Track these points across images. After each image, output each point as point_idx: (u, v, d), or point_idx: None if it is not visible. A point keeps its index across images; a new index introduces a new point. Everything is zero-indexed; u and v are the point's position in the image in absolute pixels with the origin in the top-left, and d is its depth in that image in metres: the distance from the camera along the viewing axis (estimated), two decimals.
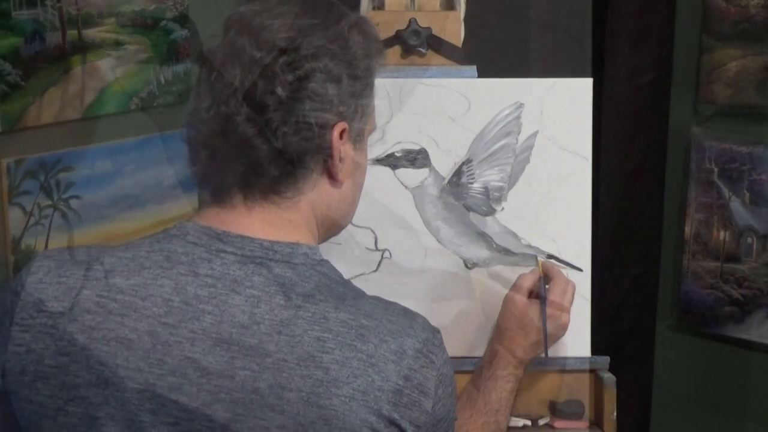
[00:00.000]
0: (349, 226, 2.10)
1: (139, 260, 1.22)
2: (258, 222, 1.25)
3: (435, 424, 1.24)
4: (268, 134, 1.21)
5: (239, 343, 1.18)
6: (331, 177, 1.29)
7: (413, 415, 1.21)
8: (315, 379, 1.17)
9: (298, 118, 1.22)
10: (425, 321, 1.29)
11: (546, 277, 1.83)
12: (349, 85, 1.26)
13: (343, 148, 1.28)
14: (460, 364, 2.07)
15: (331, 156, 1.26)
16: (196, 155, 1.27)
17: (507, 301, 1.82)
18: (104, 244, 1.33)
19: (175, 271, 1.21)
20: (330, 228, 1.35)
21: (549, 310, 1.76)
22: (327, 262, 1.28)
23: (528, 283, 1.82)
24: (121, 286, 1.21)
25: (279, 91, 1.21)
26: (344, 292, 1.25)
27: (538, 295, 1.83)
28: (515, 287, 1.83)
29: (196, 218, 1.27)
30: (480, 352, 2.08)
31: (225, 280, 1.20)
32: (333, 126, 1.25)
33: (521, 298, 1.80)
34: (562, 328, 1.83)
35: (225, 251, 1.22)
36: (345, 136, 1.27)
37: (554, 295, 1.78)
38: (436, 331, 1.28)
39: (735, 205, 2.48)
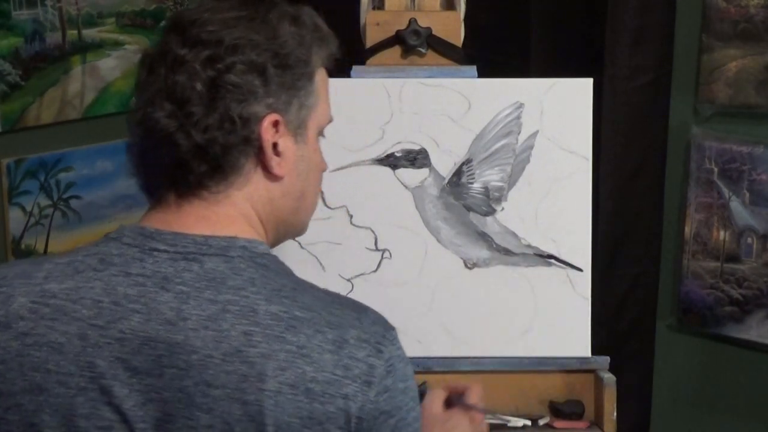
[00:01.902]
0: (349, 226, 2.12)
1: (74, 265, 1.21)
2: (192, 218, 1.23)
3: (377, 417, 1.18)
4: (190, 129, 1.19)
5: (166, 341, 1.16)
6: (268, 171, 1.25)
7: (353, 406, 1.17)
8: (240, 374, 1.14)
9: (220, 112, 1.20)
10: (379, 317, 1.25)
11: (456, 391, 1.70)
12: (277, 75, 1.23)
13: (281, 141, 1.24)
14: (458, 365, 2.08)
15: (262, 149, 1.23)
16: (132, 159, 1.26)
17: (424, 412, 1.59)
18: (51, 253, 1.32)
19: (107, 272, 1.19)
20: (279, 225, 1.30)
21: (473, 416, 1.67)
22: (270, 255, 1.24)
23: (438, 400, 1.69)
24: (54, 290, 1.19)
25: (198, 86, 1.19)
26: (283, 284, 1.21)
27: (452, 405, 1.69)
28: (428, 404, 1.68)
29: (139, 221, 1.26)
30: (480, 352, 2.08)
31: (155, 278, 1.18)
32: (262, 118, 1.22)
33: (439, 409, 1.67)
34: None
35: (158, 249, 1.20)
36: (281, 128, 1.24)
37: (473, 400, 1.67)
38: (389, 328, 1.24)
39: (735, 205, 2.48)
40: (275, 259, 1.24)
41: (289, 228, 1.34)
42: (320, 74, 1.31)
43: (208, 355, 1.15)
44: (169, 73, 1.21)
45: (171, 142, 1.20)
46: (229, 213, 1.24)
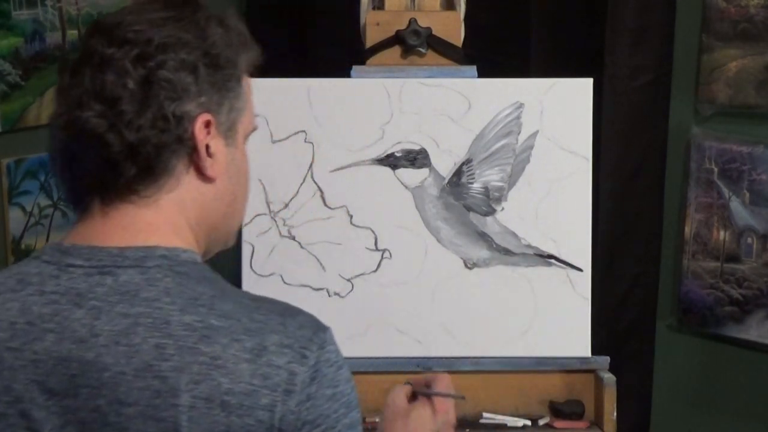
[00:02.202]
0: (349, 226, 2.12)
1: None
2: (112, 228, 1.18)
3: (300, 427, 1.12)
4: (121, 128, 1.14)
5: (79, 360, 1.12)
6: (201, 173, 1.20)
7: (273, 417, 1.11)
8: (153, 390, 1.10)
9: (153, 110, 1.15)
10: (309, 319, 1.19)
11: (420, 382, 1.62)
12: (209, 75, 1.19)
13: (212, 143, 1.19)
14: (458, 365, 2.08)
15: (195, 149, 1.18)
16: (56, 167, 1.21)
17: (387, 409, 1.58)
18: None
19: (24, 292, 1.16)
20: (210, 231, 1.25)
21: (436, 405, 1.61)
22: (194, 263, 1.19)
23: (401, 394, 1.59)
24: None
25: (130, 83, 1.15)
26: (201, 292, 1.15)
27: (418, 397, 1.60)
28: (391, 400, 1.58)
29: (64, 237, 1.22)
30: (480, 352, 2.08)
31: (69, 295, 1.15)
32: (195, 117, 1.18)
33: (402, 402, 1.57)
34: (451, 426, 1.63)
35: (73, 265, 1.16)
36: (212, 129, 1.19)
37: (440, 389, 1.59)
38: (321, 330, 1.17)
39: (735, 205, 2.47)
40: (200, 266, 1.19)
41: (220, 234, 1.28)
42: (246, 79, 1.27)
43: (120, 371, 1.11)
44: (96, 73, 1.16)
45: (101, 143, 1.15)
46: (154, 220, 1.19)
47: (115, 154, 1.15)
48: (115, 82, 1.15)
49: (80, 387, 1.12)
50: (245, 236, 2.09)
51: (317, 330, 1.17)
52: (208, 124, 1.19)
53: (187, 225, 1.22)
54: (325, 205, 2.10)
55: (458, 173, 2.10)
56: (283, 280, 2.09)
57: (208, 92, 1.19)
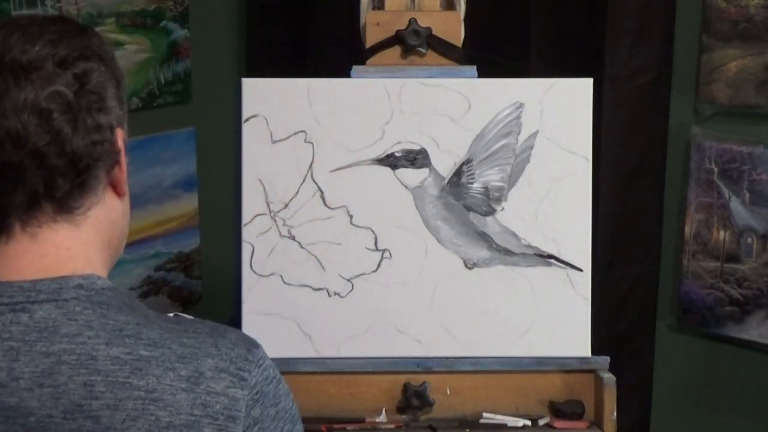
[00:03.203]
0: (349, 227, 2.12)
1: None
2: (26, 257, 1.10)
3: None
4: (62, 140, 1.08)
5: None
6: (115, 189, 1.16)
7: None
8: (85, 431, 1.04)
9: (86, 120, 1.09)
10: (239, 336, 1.14)
11: None
12: (117, 89, 1.15)
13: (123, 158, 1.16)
14: (458, 365, 2.08)
15: (118, 163, 1.14)
16: None
17: None
18: None
19: None
20: (116, 251, 1.20)
21: None
22: (110, 289, 1.12)
23: None
24: None
25: (63, 89, 1.08)
26: (125, 321, 1.09)
27: None
28: None
29: None
30: (480, 352, 2.08)
31: None
32: (116, 130, 1.14)
33: None
34: None
35: None
36: (123, 143, 1.16)
37: None
38: (253, 346, 1.13)
39: (735, 205, 2.47)
40: (117, 292, 1.13)
41: (118, 252, 1.22)
42: None
43: (47, 414, 1.04)
44: (18, 80, 1.08)
45: (39, 158, 1.08)
46: (72, 243, 1.12)
47: (53, 169, 1.09)
48: (47, 91, 1.08)
49: None
50: (245, 236, 2.09)
51: (250, 347, 1.13)
52: (122, 139, 1.16)
53: (99, 246, 1.16)
54: (325, 205, 2.09)
55: (458, 173, 2.10)
56: (283, 280, 2.09)
57: (118, 106, 1.16)
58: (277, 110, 2.10)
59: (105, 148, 1.12)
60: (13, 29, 1.11)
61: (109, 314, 1.09)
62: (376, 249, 2.10)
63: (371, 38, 2.16)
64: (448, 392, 2.08)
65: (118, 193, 1.17)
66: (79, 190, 1.12)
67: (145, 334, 1.09)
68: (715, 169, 2.49)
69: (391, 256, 2.10)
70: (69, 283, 1.10)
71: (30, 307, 1.08)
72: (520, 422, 2.06)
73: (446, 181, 2.10)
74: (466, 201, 2.10)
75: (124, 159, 1.16)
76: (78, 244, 1.13)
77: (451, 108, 2.10)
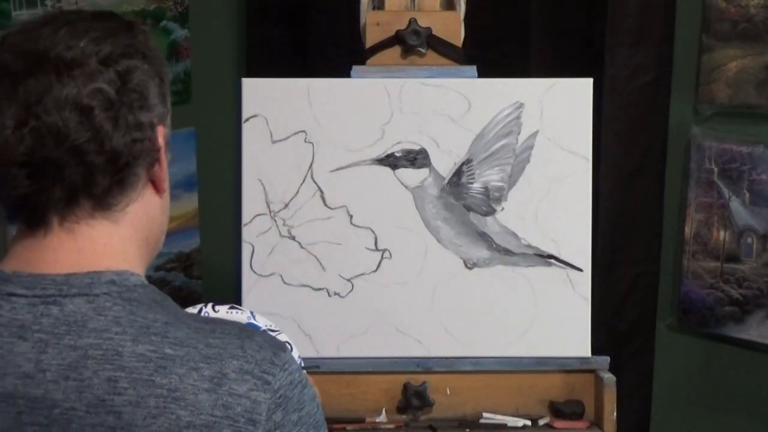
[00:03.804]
0: (349, 227, 2.12)
1: None
2: (62, 251, 1.12)
3: None
4: (102, 138, 1.09)
5: (24, 396, 1.06)
6: (155, 186, 1.17)
7: None
8: (106, 426, 1.05)
9: (127, 118, 1.10)
10: (267, 339, 1.14)
11: None
12: (160, 86, 1.17)
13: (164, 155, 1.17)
14: (458, 365, 2.08)
15: (158, 160, 1.16)
16: (1, 184, 1.11)
17: None
18: None
19: None
20: (153, 248, 1.21)
21: None
22: (143, 286, 1.13)
23: None
24: None
25: (105, 87, 1.09)
26: (153, 319, 1.10)
27: None
28: None
29: (3, 260, 1.15)
30: (480, 352, 2.08)
31: (11, 327, 1.08)
32: (157, 128, 1.15)
33: None
34: None
35: (15, 294, 1.10)
36: (164, 141, 1.17)
37: None
38: (280, 349, 1.12)
39: (735, 205, 2.47)
40: (149, 289, 1.14)
41: (156, 248, 1.23)
42: None
43: (71, 407, 1.06)
44: (60, 77, 1.09)
45: (79, 154, 1.09)
46: (109, 239, 1.13)
47: (91, 165, 1.10)
48: (89, 88, 1.09)
49: (26, 425, 1.07)
50: (245, 236, 2.09)
51: (277, 350, 1.12)
52: (163, 136, 1.17)
53: (137, 242, 1.17)
54: (325, 205, 2.10)
55: (458, 173, 2.10)
56: (283, 280, 2.09)
57: (161, 104, 1.17)
58: (277, 110, 2.10)
59: (145, 146, 1.13)
60: (60, 25, 1.12)
61: (138, 311, 1.10)
62: (376, 249, 2.10)
63: (371, 38, 2.16)
64: (448, 392, 2.08)
65: (158, 190, 1.18)
66: (118, 187, 1.13)
67: (172, 332, 1.09)
68: (715, 169, 2.49)
69: (391, 256, 2.10)
70: (101, 278, 1.11)
71: (61, 300, 1.09)
72: (520, 422, 2.06)
73: (446, 181, 2.10)
74: (466, 201, 2.10)
75: (164, 156, 1.17)
76: (115, 240, 1.14)
77: (451, 108, 2.10)
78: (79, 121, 1.08)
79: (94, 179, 1.10)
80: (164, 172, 1.18)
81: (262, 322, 1.76)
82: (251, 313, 1.89)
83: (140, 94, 1.13)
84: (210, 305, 1.89)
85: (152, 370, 1.06)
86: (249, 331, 1.14)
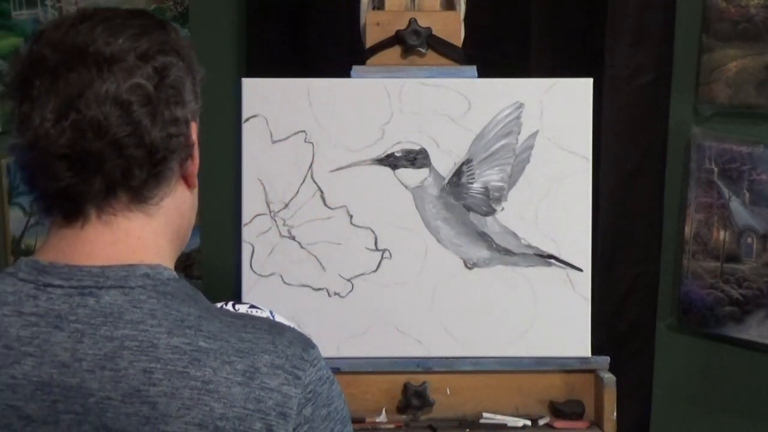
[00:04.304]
0: (349, 227, 2.12)
1: None
2: (98, 244, 1.14)
3: None
4: (141, 132, 1.11)
5: (60, 385, 1.08)
6: (187, 181, 1.19)
7: None
8: (141, 416, 1.07)
9: (164, 113, 1.13)
10: (296, 335, 1.16)
11: None
12: (193, 83, 1.20)
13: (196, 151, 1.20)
14: (458, 365, 2.08)
15: (191, 156, 1.18)
16: (41, 176, 1.12)
17: None
18: None
19: (0, 312, 1.12)
20: (182, 242, 1.23)
21: None
22: (175, 280, 1.16)
23: None
24: None
25: (144, 82, 1.12)
26: (187, 312, 1.12)
27: None
28: None
29: (38, 250, 1.17)
30: (480, 352, 2.08)
31: (49, 317, 1.11)
32: (191, 123, 1.18)
33: None
34: None
35: (52, 285, 1.12)
36: (196, 137, 1.20)
37: None
38: (309, 346, 1.15)
39: (735, 205, 2.47)
40: (182, 284, 1.16)
41: (184, 243, 1.25)
42: None
43: (106, 397, 1.08)
44: (99, 72, 1.11)
45: (118, 148, 1.11)
46: (143, 233, 1.16)
47: (130, 158, 1.12)
48: (128, 84, 1.11)
49: (62, 413, 1.09)
50: (245, 236, 2.09)
51: (306, 347, 1.15)
52: (196, 132, 1.19)
53: (169, 236, 1.19)
54: (325, 205, 2.10)
55: (458, 173, 2.10)
56: (283, 280, 2.09)
57: (194, 100, 1.19)
58: (277, 110, 2.10)
59: (180, 141, 1.15)
60: (97, 21, 1.14)
61: (173, 305, 1.12)
62: (376, 249, 2.10)
63: (371, 38, 2.16)
64: (448, 392, 2.08)
65: (189, 185, 1.20)
66: (154, 180, 1.15)
67: (206, 326, 1.12)
68: (715, 169, 2.49)
69: (391, 256, 2.10)
70: (136, 271, 1.13)
71: (97, 292, 1.11)
72: (520, 422, 2.06)
73: (446, 181, 2.10)
74: (466, 201, 2.10)
75: (196, 152, 1.19)
76: (149, 234, 1.16)
77: (451, 108, 2.10)
78: (120, 115, 1.10)
79: (133, 172, 1.12)
80: (196, 167, 1.20)
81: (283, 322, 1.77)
82: (270, 312, 1.90)
83: (176, 90, 1.15)
84: (230, 303, 1.91)
85: (187, 362, 1.09)
86: (279, 326, 1.17)
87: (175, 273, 1.17)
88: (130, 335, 1.09)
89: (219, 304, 1.76)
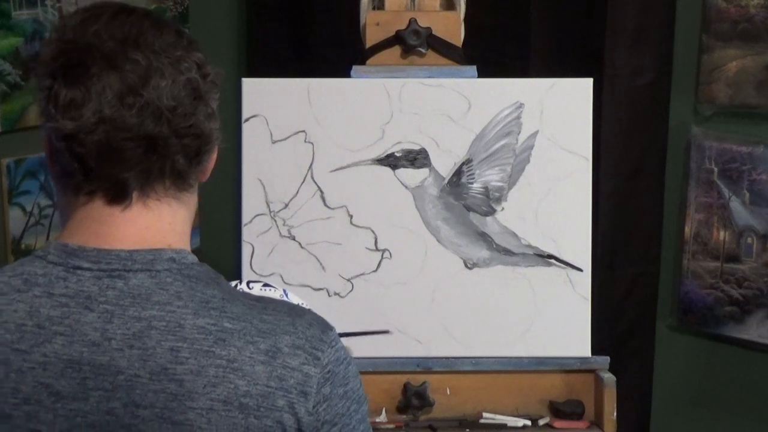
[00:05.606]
0: (349, 227, 2.12)
1: None
2: (131, 227, 1.17)
3: (319, 428, 1.16)
4: (197, 123, 1.16)
5: (90, 363, 1.13)
6: (203, 175, 1.23)
7: (291, 418, 1.14)
8: (168, 393, 1.12)
9: (209, 105, 1.18)
10: (315, 318, 1.21)
11: None
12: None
13: None
14: (458, 365, 2.08)
15: (215, 150, 1.23)
16: (101, 158, 1.15)
17: None
18: None
19: (30, 293, 1.15)
20: (190, 230, 1.26)
21: None
22: (199, 264, 1.20)
23: None
24: None
25: (194, 76, 1.16)
26: (212, 295, 1.17)
27: None
28: None
29: (62, 233, 1.20)
30: (480, 352, 2.08)
31: (78, 298, 1.15)
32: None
33: None
34: None
35: (81, 267, 1.16)
36: None
37: None
38: (328, 328, 1.20)
39: (735, 205, 2.47)
40: (205, 268, 1.20)
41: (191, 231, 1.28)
42: None
43: (135, 374, 1.12)
44: (158, 65, 1.15)
45: (177, 135, 1.15)
46: (173, 219, 1.20)
47: (185, 147, 1.16)
48: (182, 75, 1.15)
49: (91, 390, 1.12)
50: (245, 236, 2.09)
51: (325, 328, 1.20)
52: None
53: (190, 222, 1.24)
54: (325, 205, 2.10)
55: (458, 173, 2.10)
56: (283, 280, 2.09)
57: (213, 103, 1.22)
58: (277, 110, 2.10)
59: (214, 135, 1.20)
60: (141, 15, 1.19)
61: (197, 287, 1.17)
62: (376, 249, 2.10)
63: (371, 38, 2.16)
64: (448, 392, 2.08)
65: (204, 176, 1.24)
66: (197, 170, 1.20)
67: (229, 308, 1.16)
68: (715, 169, 2.49)
69: (391, 256, 2.10)
70: (162, 255, 1.17)
71: (125, 274, 1.15)
72: (520, 422, 2.06)
73: (446, 181, 2.10)
74: (466, 201, 2.11)
75: (218, 148, 1.23)
76: (179, 220, 1.21)
77: (451, 108, 2.10)
78: (175, 106, 1.14)
79: (182, 160, 1.17)
80: (213, 161, 1.24)
81: (295, 301, 1.78)
82: (284, 291, 1.92)
83: (214, 84, 1.20)
84: (245, 282, 1.92)
85: (212, 341, 1.13)
86: (299, 309, 1.22)
87: (196, 258, 1.21)
88: (157, 316, 1.14)
89: (233, 283, 1.77)
